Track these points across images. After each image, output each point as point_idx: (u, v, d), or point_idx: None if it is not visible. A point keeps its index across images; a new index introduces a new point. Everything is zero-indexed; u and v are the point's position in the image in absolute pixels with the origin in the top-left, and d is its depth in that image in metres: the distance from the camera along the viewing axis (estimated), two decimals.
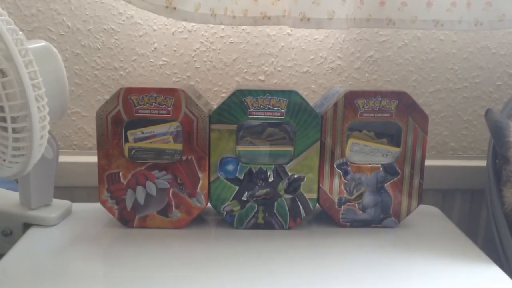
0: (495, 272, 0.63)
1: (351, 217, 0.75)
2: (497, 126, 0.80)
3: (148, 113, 0.70)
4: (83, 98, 0.96)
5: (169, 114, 0.70)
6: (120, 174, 0.71)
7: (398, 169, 0.74)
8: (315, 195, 0.73)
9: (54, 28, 0.92)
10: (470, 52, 1.00)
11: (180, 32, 0.94)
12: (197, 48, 0.95)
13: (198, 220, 0.76)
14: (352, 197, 0.74)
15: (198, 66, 0.96)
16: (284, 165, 0.72)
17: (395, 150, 0.74)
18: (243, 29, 0.95)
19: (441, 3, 0.90)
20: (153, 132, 0.72)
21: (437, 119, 1.02)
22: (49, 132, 0.61)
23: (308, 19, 0.86)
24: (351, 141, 0.74)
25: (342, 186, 0.74)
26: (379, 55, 0.98)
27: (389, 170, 0.74)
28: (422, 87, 1.00)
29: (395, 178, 0.74)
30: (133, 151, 0.72)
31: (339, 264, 0.64)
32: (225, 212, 0.73)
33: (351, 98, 0.72)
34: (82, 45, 0.94)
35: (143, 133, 0.72)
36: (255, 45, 0.96)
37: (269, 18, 0.89)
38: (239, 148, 0.73)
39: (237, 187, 0.73)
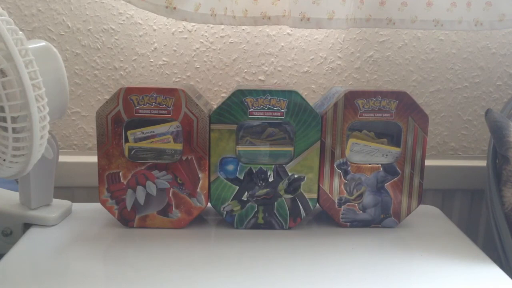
0: (495, 272, 0.63)
1: (351, 217, 0.75)
2: (497, 126, 0.80)
3: (148, 113, 0.70)
4: (83, 98, 0.96)
5: (169, 114, 0.70)
6: (120, 174, 0.71)
7: (398, 169, 0.74)
8: (315, 195, 0.73)
9: (54, 28, 0.92)
10: (470, 52, 1.00)
11: (180, 32, 0.94)
12: (197, 48, 0.95)
13: (198, 220, 0.76)
14: (352, 197, 0.74)
15: (198, 66, 0.96)
16: (284, 165, 0.72)
17: (395, 150, 0.74)
18: (243, 29, 0.95)
19: (441, 3, 0.90)
20: (153, 132, 0.72)
21: (437, 119, 1.02)
22: (49, 132, 0.61)
23: (308, 19, 0.86)
24: (351, 141, 0.74)
25: (342, 186, 0.74)
26: (379, 55, 0.98)
27: (389, 170, 0.74)
28: (422, 87, 1.00)
29: (395, 178, 0.74)
30: (133, 151, 0.72)
31: (339, 264, 0.64)
32: (225, 212, 0.73)
33: (351, 98, 0.72)
34: (82, 45, 0.94)
35: (143, 133, 0.72)
36: (255, 45, 0.96)
37: (269, 18, 0.89)
38: (239, 148, 0.73)
39: (237, 187, 0.73)
